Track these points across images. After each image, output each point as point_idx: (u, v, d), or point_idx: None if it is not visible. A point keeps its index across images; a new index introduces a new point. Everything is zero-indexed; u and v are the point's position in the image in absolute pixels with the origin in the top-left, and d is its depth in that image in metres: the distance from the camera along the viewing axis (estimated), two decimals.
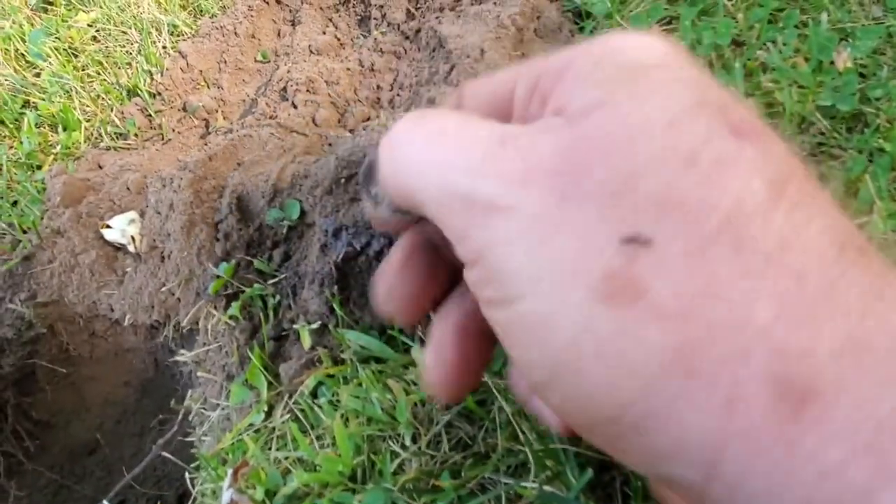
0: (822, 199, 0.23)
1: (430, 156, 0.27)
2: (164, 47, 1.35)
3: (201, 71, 1.27)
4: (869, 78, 0.87)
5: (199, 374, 0.91)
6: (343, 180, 0.92)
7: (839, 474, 0.19)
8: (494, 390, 0.74)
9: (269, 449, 0.79)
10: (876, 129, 0.81)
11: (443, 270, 0.34)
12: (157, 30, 1.37)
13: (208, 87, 1.27)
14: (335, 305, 0.82)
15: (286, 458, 0.77)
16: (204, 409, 0.90)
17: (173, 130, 1.23)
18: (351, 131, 1.06)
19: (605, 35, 0.27)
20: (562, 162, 0.23)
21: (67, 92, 1.31)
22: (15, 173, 1.20)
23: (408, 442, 0.74)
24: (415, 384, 0.77)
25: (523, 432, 0.72)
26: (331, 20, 1.27)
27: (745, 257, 0.21)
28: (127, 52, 1.36)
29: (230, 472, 0.71)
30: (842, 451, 0.19)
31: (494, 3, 1.08)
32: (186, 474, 0.84)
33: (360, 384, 0.78)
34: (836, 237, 0.22)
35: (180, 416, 0.96)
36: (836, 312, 0.20)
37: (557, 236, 0.22)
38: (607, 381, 0.22)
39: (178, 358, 0.96)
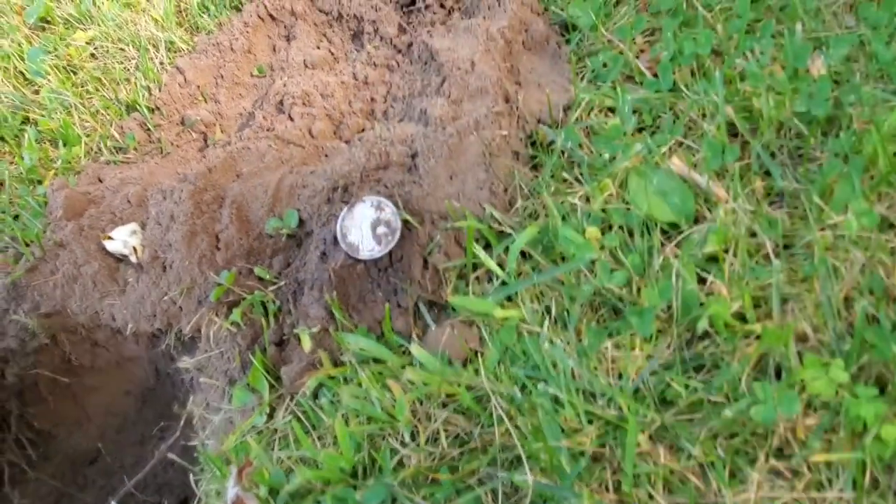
0: None
1: None
2: (162, 63, 1.38)
3: (199, 86, 1.30)
4: (842, 84, 0.91)
5: (201, 379, 0.94)
6: (339, 190, 0.95)
7: None
8: (487, 386, 0.76)
9: (272, 449, 0.81)
10: (850, 133, 0.85)
11: None
12: (154, 46, 1.40)
13: (206, 101, 1.30)
14: (334, 310, 0.84)
15: (289, 458, 0.80)
16: (206, 413, 0.92)
17: (172, 144, 1.26)
18: (347, 142, 1.10)
19: None
20: None
21: (67, 108, 1.34)
22: (16, 188, 1.22)
23: (407, 439, 0.76)
24: (412, 383, 0.79)
25: (518, 427, 0.75)
26: (325, 35, 1.30)
27: None
28: (125, 68, 1.39)
29: (234, 470, 0.73)
30: None
31: (484, 17, 1.12)
32: (191, 476, 0.86)
33: (359, 384, 0.81)
34: None
35: (182, 421, 0.98)
36: None
37: None
38: None
39: (179, 365, 0.98)
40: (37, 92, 1.41)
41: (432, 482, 0.72)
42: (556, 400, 0.75)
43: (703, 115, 0.93)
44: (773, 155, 0.88)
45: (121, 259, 1.06)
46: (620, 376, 0.76)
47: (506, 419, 0.74)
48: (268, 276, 0.93)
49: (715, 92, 0.91)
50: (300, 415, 0.82)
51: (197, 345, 0.97)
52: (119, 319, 1.04)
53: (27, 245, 1.11)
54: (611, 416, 0.72)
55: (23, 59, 1.47)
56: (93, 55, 1.45)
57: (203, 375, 0.94)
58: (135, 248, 1.03)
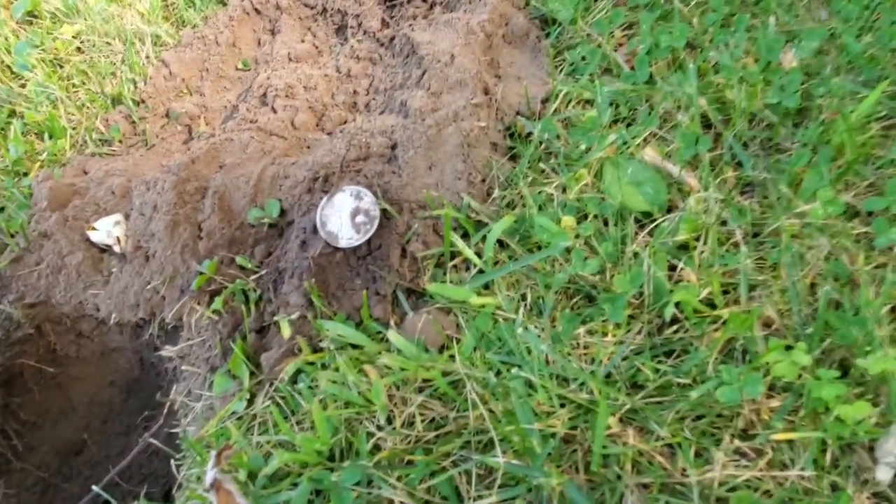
0: None
1: None
2: (148, 57, 1.38)
3: (184, 79, 1.31)
4: (813, 76, 0.92)
5: (183, 367, 0.95)
6: (320, 180, 0.96)
7: None
8: (462, 371, 0.78)
9: (252, 434, 0.82)
10: (819, 124, 0.87)
11: None
12: (140, 40, 1.41)
13: (191, 94, 1.31)
14: (314, 297, 0.86)
15: (268, 442, 0.81)
16: (188, 400, 0.93)
17: (157, 136, 1.27)
18: (328, 134, 1.11)
19: None
20: None
21: (53, 101, 1.35)
22: (2, 180, 1.23)
23: (383, 422, 0.78)
24: (389, 368, 0.81)
25: (491, 411, 0.76)
26: (309, 29, 1.32)
27: None
28: (111, 62, 1.40)
29: (214, 453, 0.74)
30: None
31: (464, 11, 1.13)
32: (172, 461, 0.87)
33: (337, 370, 0.82)
34: None
35: (166, 409, 0.99)
36: None
37: None
38: None
39: (163, 353, 0.99)
40: (23, 85, 1.42)
41: (407, 464, 0.74)
42: (529, 384, 0.77)
43: (678, 107, 0.95)
44: (745, 145, 0.90)
45: (105, 249, 1.07)
46: (593, 361, 0.78)
47: (480, 403, 0.76)
48: (249, 265, 0.94)
49: (689, 84, 0.93)
50: (279, 400, 0.84)
51: (180, 334, 0.98)
52: (103, 309, 1.05)
53: (12, 236, 1.12)
54: (582, 399, 0.74)
55: (10, 53, 1.47)
56: (79, 49, 1.45)
57: (185, 364, 0.95)
58: (118, 239, 1.04)
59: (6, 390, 1.14)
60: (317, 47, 1.27)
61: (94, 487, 0.82)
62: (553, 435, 0.73)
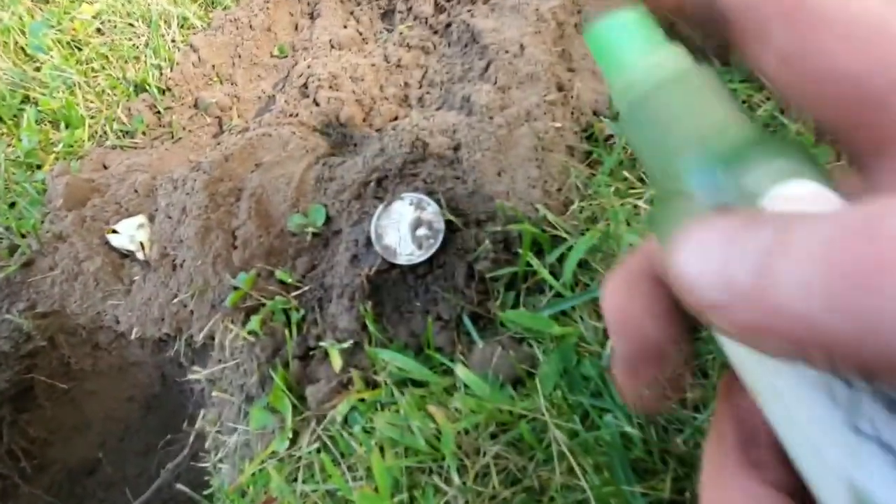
0: None
1: None
2: (174, 41, 1.27)
3: (214, 66, 1.20)
4: None
5: (213, 393, 0.84)
6: (372, 184, 0.84)
7: None
8: (546, 416, 0.67)
9: (295, 481, 0.71)
10: None
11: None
12: (166, 22, 1.30)
13: (221, 82, 1.19)
14: (368, 321, 0.74)
15: (314, 491, 0.70)
16: (220, 432, 0.82)
17: (184, 129, 1.16)
18: (378, 131, 0.99)
19: None
20: None
21: (70, 87, 1.24)
22: (13, 173, 1.12)
23: (453, 476, 0.66)
24: (458, 411, 0.69)
25: (580, 464, 0.65)
26: (352, 13, 1.20)
27: None
28: (134, 45, 1.28)
29: None
30: None
31: None
32: None
33: (397, 410, 0.70)
34: None
35: (192, 439, 0.89)
36: None
37: None
38: None
39: (190, 376, 0.88)
40: (38, 69, 1.31)
41: None
42: (623, 435, 0.65)
43: (781, 110, 0.82)
44: None
45: (126, 255, 0.97)
46: (697, 409, 0.66)
47: (568, 454, 0.64)
48: (290, 280, 0.83)
49: None
50: (328, 441, 0.72)
51: (209, 353, 0.88)
52: (123, 322, 0.95)
53: (23, 237, 1.02)
54: (688, 454, 0.62)
55: (24, 34, 1.37)
56: (99, 30, 1.34)
57: (216, 388, 0.84)
58: (142, 244, 0.93)
59: (14, 406, 1.03)
60: (361, 34, 1.15)
61: None
62: (660, 501, 0.61)
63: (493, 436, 0.69)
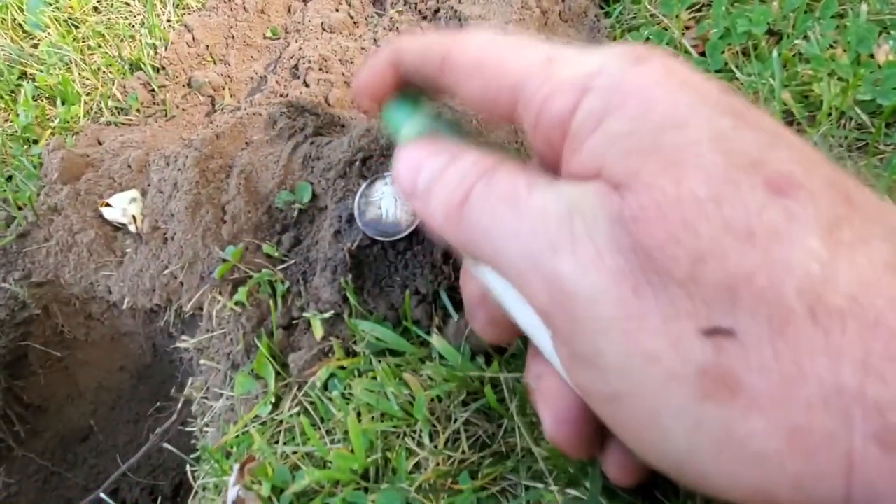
0: (876, 218, 0.24)
1: (508, 224, 0.28)
2: (169, 20, 1.29)
3: (208, 46, 1.22)
4: None
5: (201, 361, 0.87)
6: (357, 163, 0.87)
7: None
8: (511, 390, 0.70)
9: (277, 443, 0.75)
10: None
11: None
12: (161, 2, 1.32)
13: (215, 62, 1.22)
14: (349, 294, 0.78)
15: (294, 453, 0.73)
16: (206, 398, 0.86)
17: (177, 107, 1.18)
18: (365, 112, 1.02)
19: (637, 77, 0.27)
20: (626, 247, 0.24)
21: (67, 64, 1.26)
22: (10, 147, 1.15)
23: (425, 440, 0.70)
24: (432, 379, 0.73)
25: (538, 431, 0.68)
26: None
27: (823, 324, 0.22)
28: (130, 24, 1.30)
29: (237, 467, 0.67)
30: None
31: None
32: (188, 467, 0.80)
33: (374, 377, 0.74)
34: None
35: (180, 405, 0.92)
36: None
37: (642, 333, 0.24)
38: (729, 472, 0.23)
39: (179, 344, 0.91)
40: (35, 46, 1.33)
41: (451, 489, 0.66)
42: None
43: (756, 100, 0.85)
44: (830, 147, 0.81)
45: (119, 228, 0.99)
46: None
47: (534, 424, 0.68)
48: (276, 254, 0.86)
49: (771, 74, 0.84)
50: (308, 406, 0.76)
51: (198, 323, 0.91)
52: (115, 292, 0.98)
53: (19, 209, 1.04)
54: None
55: (22, 11, 1.38)
56: (96, 9, 1.36)
57: (203, 357, 0.88)
58: (134, 217, 0.96)
59: (10, 373, 1.07)
60: (352, 17, 1.17)
61: (101, 494, 0.75)
62: None
63: (465, 404, 0.73)
